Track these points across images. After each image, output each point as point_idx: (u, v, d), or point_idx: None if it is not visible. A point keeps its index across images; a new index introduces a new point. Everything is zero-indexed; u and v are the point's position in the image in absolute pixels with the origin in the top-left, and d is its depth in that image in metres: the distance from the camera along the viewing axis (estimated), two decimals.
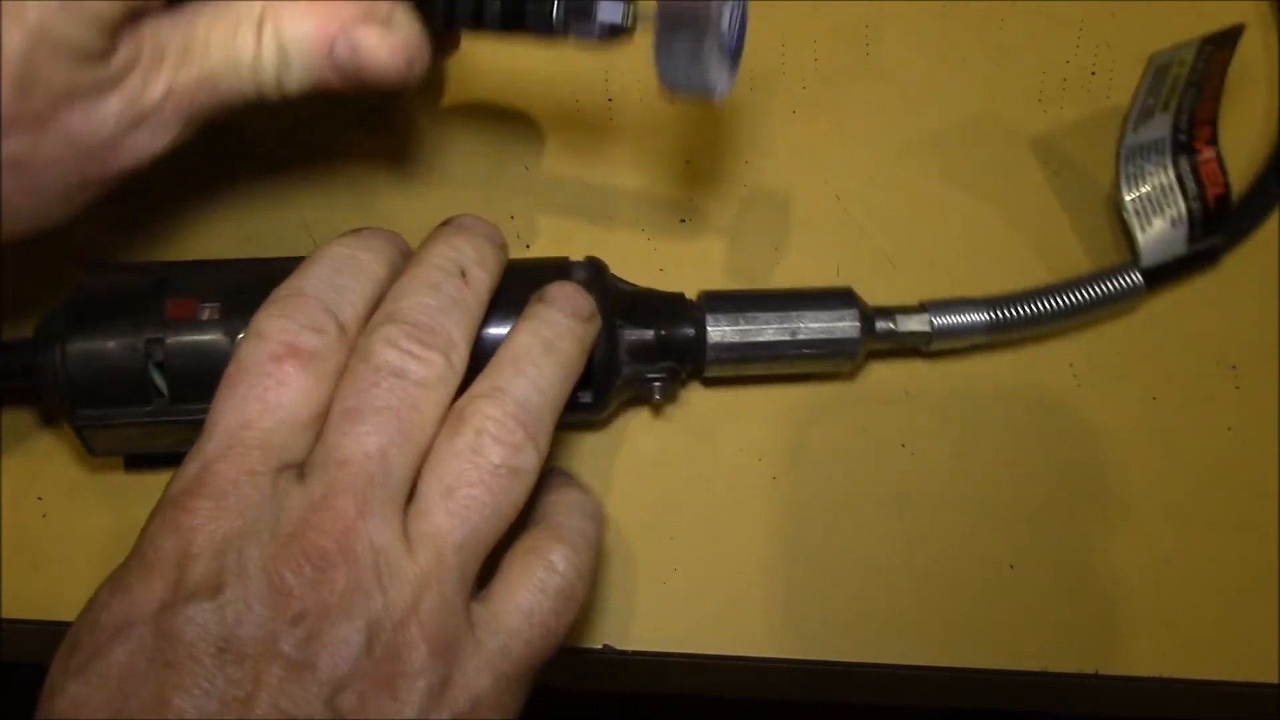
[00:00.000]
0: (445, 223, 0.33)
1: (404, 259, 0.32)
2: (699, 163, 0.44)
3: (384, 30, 0.32)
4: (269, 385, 0.28)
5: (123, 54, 0.29)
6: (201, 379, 0.32)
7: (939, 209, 0.43)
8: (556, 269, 0.36)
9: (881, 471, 0.39)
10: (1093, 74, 0.46)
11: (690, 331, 0.37)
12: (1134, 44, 0.46)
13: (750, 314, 0.37)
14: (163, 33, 0.30)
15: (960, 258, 0.42)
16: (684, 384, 0.40)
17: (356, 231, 0.32)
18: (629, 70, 0.45)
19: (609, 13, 0.33)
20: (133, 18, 0.29)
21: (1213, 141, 0.40)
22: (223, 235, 0.41)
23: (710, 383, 0.40)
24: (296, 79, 0.32)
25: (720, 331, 0.37)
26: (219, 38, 0.31)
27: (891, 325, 0.39)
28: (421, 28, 0.33)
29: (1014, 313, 0.39)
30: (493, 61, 0.44)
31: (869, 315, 0.38)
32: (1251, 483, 0.40)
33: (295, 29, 0.31)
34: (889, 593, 0.38)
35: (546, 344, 0.31)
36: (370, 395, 0.28)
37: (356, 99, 0.34)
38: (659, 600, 0.38)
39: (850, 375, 0.40)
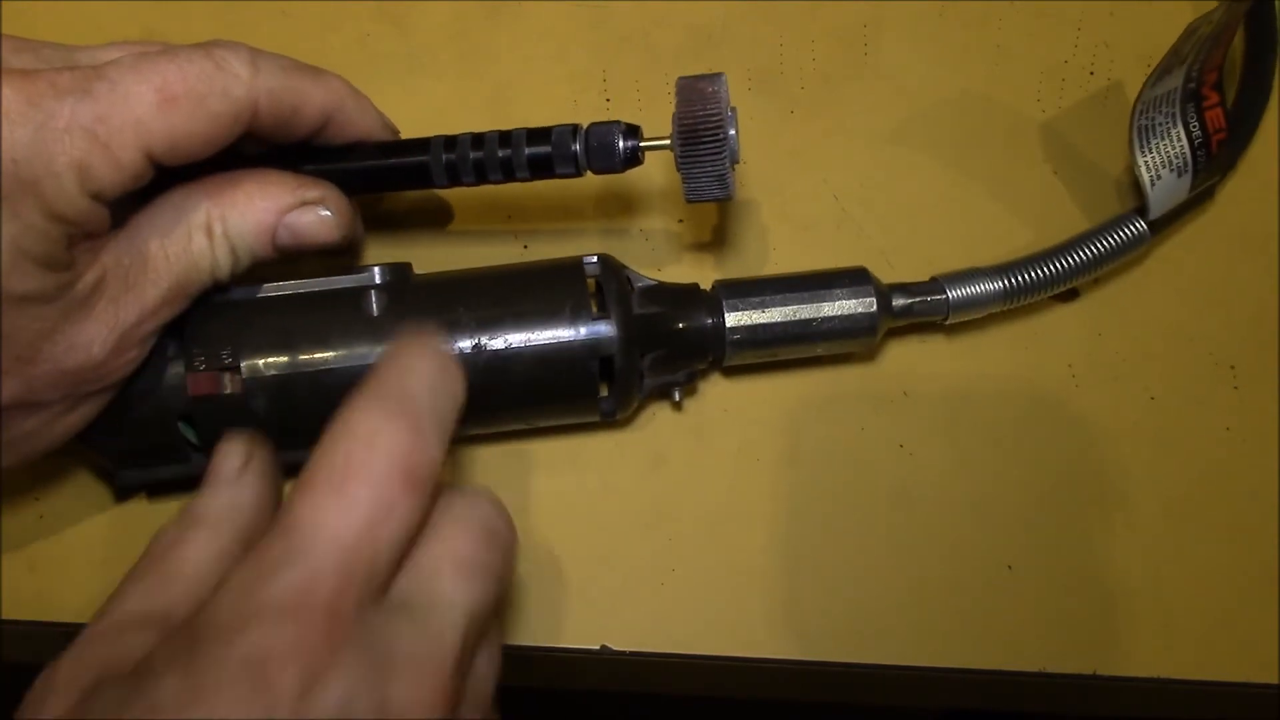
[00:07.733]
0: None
1: None
2: None
3: (317, 213, 0.34)
4: (382, 510, 0.26)
5: (89, 277, 0.30)
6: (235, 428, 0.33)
7: (938, 209, 0.43)
8: (570, 267, 0.36)
9: (880, 472, 0.39)
10: (1091, 74, 0.46)
11: (708, 325, 0.37)
12: (1133, 44, 0.46)
13: (767, 301, 0.37)
14: (121, 254, 0.32)
15: (959, 258, 0.42)
16: (705, 376, 0.40)
17: (422, 339, 0.29)
18: (627, 71, 0.45)
19: (628, 146, 0.35)
20: (84, 238, 0.30)
21: (1218, 87, 0.40)
22: None
23: (730, 372, 0.40)
24: (245, 264, 0.34)
25: (739, 322, 0.37)
26: (176, 250, 0.33)
27: (908, 301, 0.39)
28: (348, 202, 0.35)
29: (1027, 277, 0.39)
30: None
31: (885, 293, 0.38)
32: (1250, 483, 0.40)
33: (241, 226, 0.34)
34: (888, 593, 0.38)
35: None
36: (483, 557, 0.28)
37: None
38: (658, 601, 0.38)
39: (869, 357, 0.41)
